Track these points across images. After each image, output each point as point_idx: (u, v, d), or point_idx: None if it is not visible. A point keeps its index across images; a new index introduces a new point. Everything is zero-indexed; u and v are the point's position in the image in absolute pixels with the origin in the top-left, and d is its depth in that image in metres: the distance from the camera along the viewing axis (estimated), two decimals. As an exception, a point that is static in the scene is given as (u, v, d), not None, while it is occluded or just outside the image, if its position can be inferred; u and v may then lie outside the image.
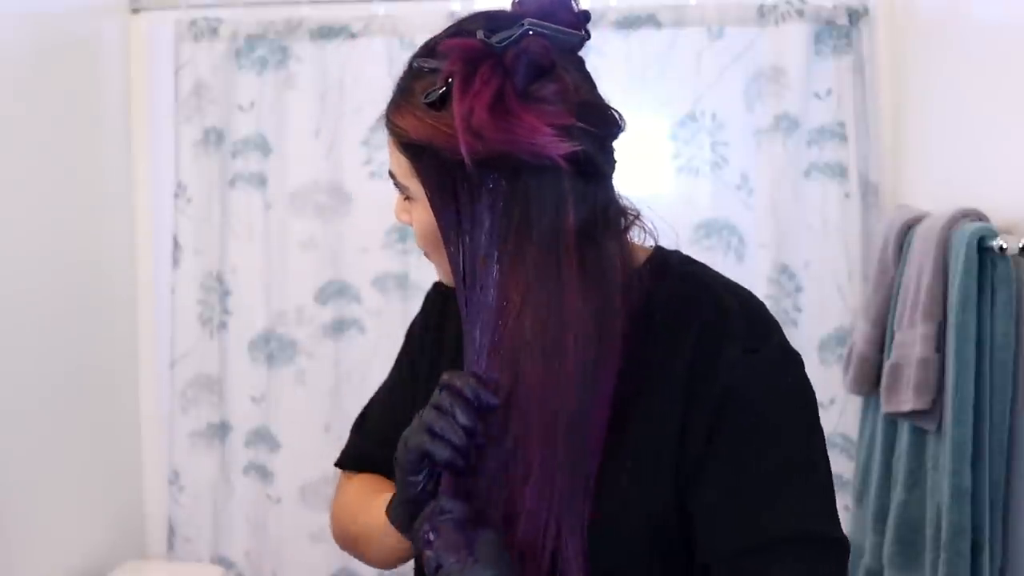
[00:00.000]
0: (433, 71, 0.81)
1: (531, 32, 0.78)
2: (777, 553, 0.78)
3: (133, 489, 2.29)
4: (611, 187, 0.85)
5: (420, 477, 0.81)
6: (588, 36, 0.83)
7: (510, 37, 0.77)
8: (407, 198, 0.88)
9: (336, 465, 1.12)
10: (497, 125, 0.76)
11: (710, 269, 0.90)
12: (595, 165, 0.80)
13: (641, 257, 0.89)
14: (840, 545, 0.81)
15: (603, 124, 0.81)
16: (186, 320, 2.22)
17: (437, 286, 1.06)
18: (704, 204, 2.11)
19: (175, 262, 2.21)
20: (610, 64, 2.10)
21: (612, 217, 0.84)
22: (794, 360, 0.86)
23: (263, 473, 2.22)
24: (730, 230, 2.10)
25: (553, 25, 0.79)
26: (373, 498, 0.96)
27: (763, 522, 0.78)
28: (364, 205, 2.16)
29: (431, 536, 0.77)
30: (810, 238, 2.06)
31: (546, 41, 0.78)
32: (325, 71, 2.15)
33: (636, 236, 0.88)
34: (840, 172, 2.04)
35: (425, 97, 0.80)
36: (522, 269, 0.80)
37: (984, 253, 1.36)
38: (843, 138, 2.04)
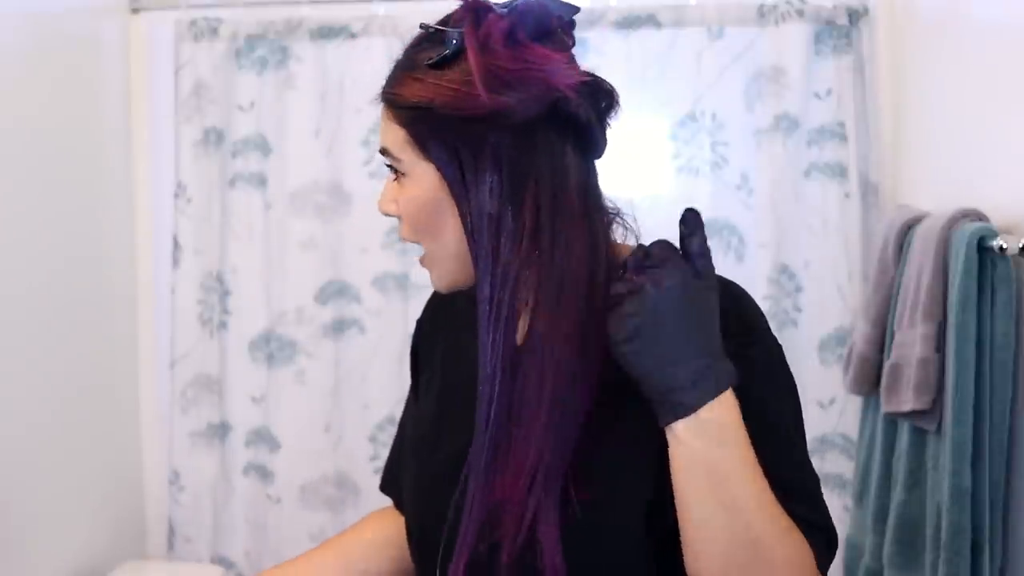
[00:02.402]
0: (439, 33, 0.83)
1: None
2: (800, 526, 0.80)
3: (133, 489, 2.29)
4: (597, 173, 0.86)
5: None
6: (573, 42, 0.86)
7: (512, 3, 0.81)
8: (398, 177, 0.88)
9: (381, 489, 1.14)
10: (512, 54, 0.79)
11: None
12: (592, 136, 0.82)
13: (624, 255, 0.89)
14: (832, 534, 0.84)
15: (603, 93, 0.83)
16: (186, 320, 2.22)
17: (419, 322, 1.09)
18: (704, 204, 2.10)
19: (175, 262, 2.21)
20: (610, 64, 2.10)
21: (602, 202, 0.86)
22: (781, 351, 0.87)
23: (263, 473, 2.22)
24: (730, 230, 2.10)
25: None
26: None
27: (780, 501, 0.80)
28: (364, 205, 2.16)
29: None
30: (810, 238, 2.06)
31: (547, 8, 0.81)
32: (325, 71, 2.15)
33: (620, 236, 0.90)
34: (840, 172, 2.04)
35: (428, 60, 0.82)
36: (528, 231, 0.81)
37: (984, 253, 1.36)
38: (843, 138, 2.04)
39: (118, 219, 2.22)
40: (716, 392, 0.76)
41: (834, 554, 0.84)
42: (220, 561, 2.24)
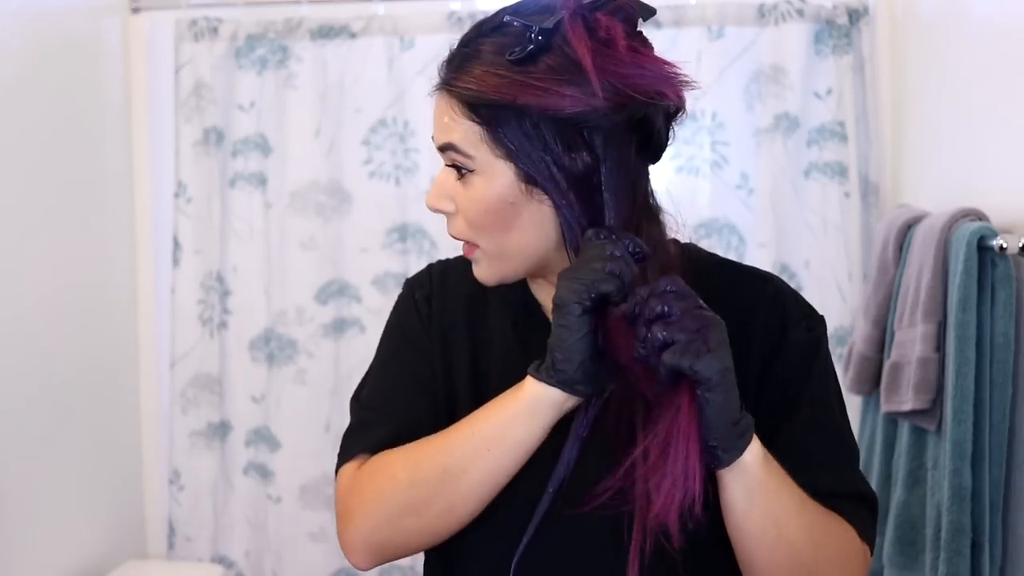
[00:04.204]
0: (524, 26, 0.80)
1: None
2: (850, 502, 0.86)
3: (133, 489, 2.29)
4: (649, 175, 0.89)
5: (584, 322, 0.77)
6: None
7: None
8: (462, 176, 0.85)
9: (358, 451, 0.94)
10: (629, 58, 0.79)
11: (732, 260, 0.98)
12: (658, 141, 0.85)
13: (672, 247, 0.93)
14: (875, 502, 0.91)
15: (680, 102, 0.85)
16: (186, 320, 2.22)
17: (423, 286, 1.00)
18: (704, 204, 2.11)
19: (175, 262, 2.21)
20: (610, 64, 2.10)
21: (656, 204, 0.89)
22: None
23: (263, 473, 2.22)
24: (730, 230, 2.10)
25: None
26: (466, 421, 0.86)
27: (823, 481, 0.85)
28: (364, 205, 2.16)
29: (660, 308, 0.74)
30: (810, 238, 2.06)
31: (632, 8, 0.83)
32: (325, 71, 2.15)
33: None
34: (840, 172, 2.04)
35: (510, 55, 0.80)
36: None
37: (984, 252, 1.36)
38: (843, 138, 2.04)
39: (118, 219, 2.22)
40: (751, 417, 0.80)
41: (876, 517, 0.90)
42: (220, 561, 2.24)
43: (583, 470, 0.83)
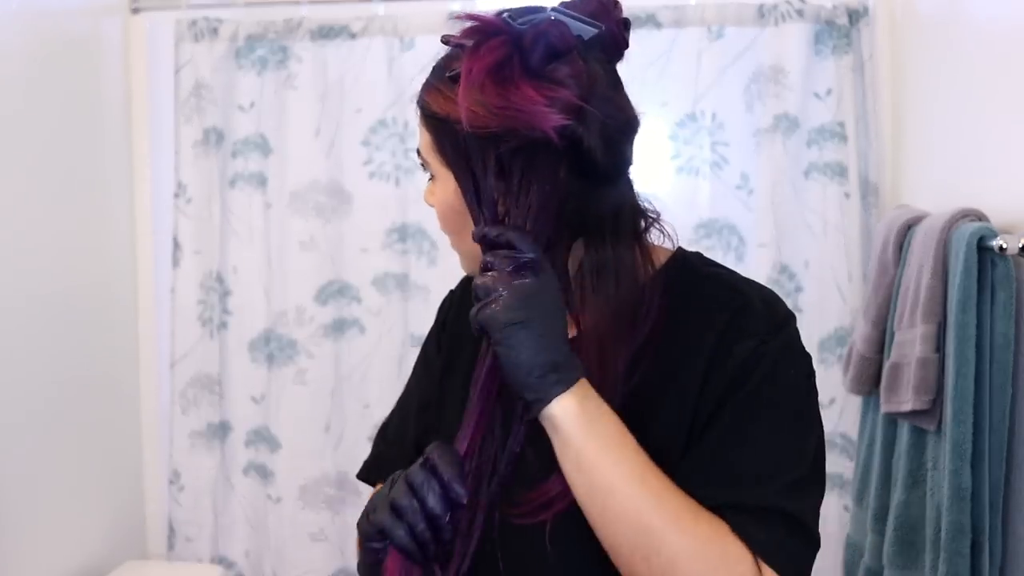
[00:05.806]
0: (460, 47, 0.83)
1: (553, 18, 0.81)
2: (755, 516, 0.79)
3: (133, 489, 2.29)
4: (623, 190, 0.89)
5: (381, 545, 0.80)
6: (625, 44, 0.87)
7: (532, 20, 0.81)
8: (431, 178, 0.91)
9: (358, 478, 1.09)
10: (494, 90, 0.79)
11: (731, 270, 0.92)
12: (593, 161, 0.82)
13: (662, 258, 0.91)
14: (810, 535, 0.81)
15: (613, 119, 0.83)
16: (186, 320, 2.22)
17: (452, 294, 1.09)
18: (704, 204, 2.11)
19: (175, 262, 2.21)
20: (610, 64, 2.10)
21: (623, 221, 0.87)
22: (802, 356, 0.87)
23: (263, 473, 2.22)
24: (730, 230, 2.10)
25: (576, 14, 0.83)
26: None
27: (746, 492, 0.79)
28: (364, 205, 2.16)
29: (490, 263, 0.78)
30: (810, 238, 2.06)
31: (566, 28, 0.81)
32: (325, 71, 2.15)
33: (656, 238, 0.92)
34: (840, 172, 2.04)
35: (449, 73, 0.84)
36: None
37: (984, 253, 1.36)
38: (843, 138, 2.04)
39: (118, 219, 2.22)
40: (580, 375, 0.79)
41: (806, 542, 0.81)
42: (220, 561, 2.24)
43: (528, 479, 0.85)
